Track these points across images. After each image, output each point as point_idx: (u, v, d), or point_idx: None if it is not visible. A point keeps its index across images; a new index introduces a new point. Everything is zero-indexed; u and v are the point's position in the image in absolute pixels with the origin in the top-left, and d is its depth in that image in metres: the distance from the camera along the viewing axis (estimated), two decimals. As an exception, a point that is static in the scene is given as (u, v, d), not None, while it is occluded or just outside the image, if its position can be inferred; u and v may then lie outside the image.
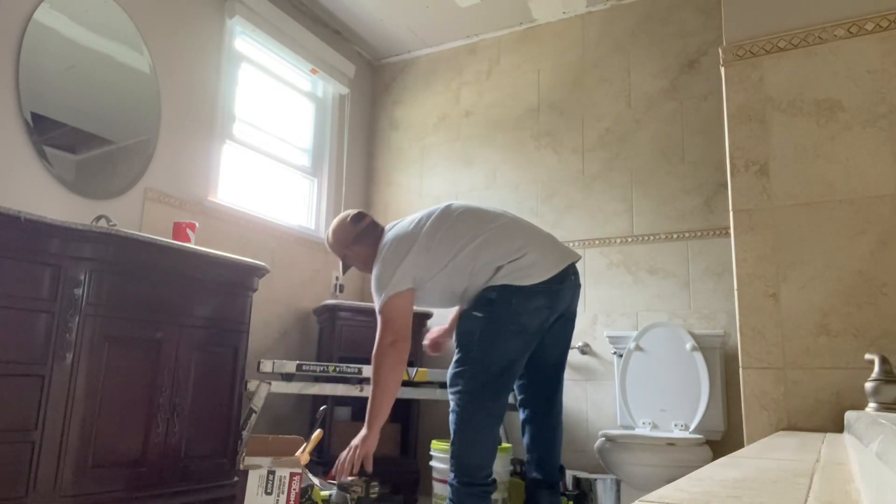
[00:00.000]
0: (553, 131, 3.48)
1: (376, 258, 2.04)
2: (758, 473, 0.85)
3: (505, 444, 2.43)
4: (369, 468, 1.93)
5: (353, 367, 2.77)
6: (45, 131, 2.32)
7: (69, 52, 2.42)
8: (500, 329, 1.91)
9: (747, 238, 1.89)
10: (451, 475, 1.88)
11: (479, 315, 1.93)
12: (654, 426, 2.68)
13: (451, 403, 1.93)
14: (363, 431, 1.94)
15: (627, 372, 2.78)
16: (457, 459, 1.88)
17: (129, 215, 2.59)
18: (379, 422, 1.94)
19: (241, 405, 2.39)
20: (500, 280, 1.93)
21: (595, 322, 3.17)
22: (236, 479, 2.28)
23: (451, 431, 1.90)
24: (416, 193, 3.83)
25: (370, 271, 2.09)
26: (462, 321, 1.99)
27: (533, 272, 1.93)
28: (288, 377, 2.65)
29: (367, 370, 3.09)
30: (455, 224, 2.03)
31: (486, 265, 1.96)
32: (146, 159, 2.67)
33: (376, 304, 1.98)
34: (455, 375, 1.94)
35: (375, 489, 2.45)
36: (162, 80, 2.77)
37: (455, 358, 1.96)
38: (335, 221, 2.23)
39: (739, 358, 1.87)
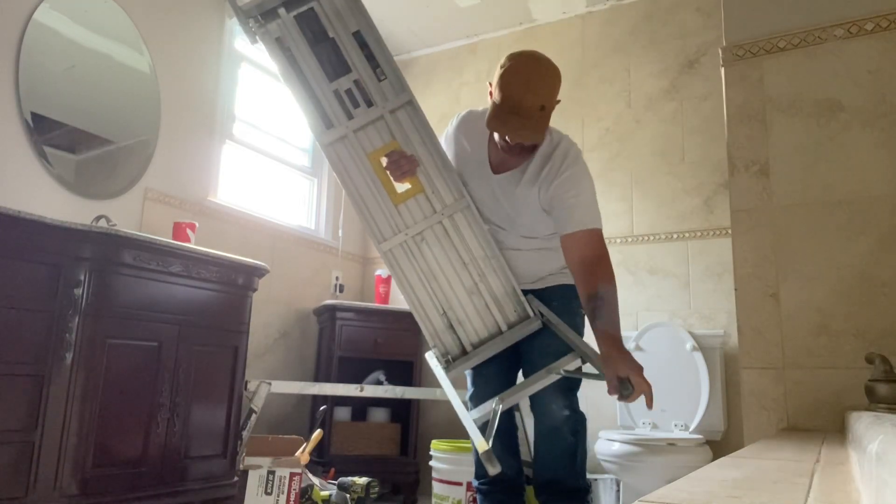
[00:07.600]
0: (553, 131, 3.48)
1: (577, 160, 1.78)
2: (758, 473, 0.85)
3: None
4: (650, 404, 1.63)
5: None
6: (45, 131, 2.32)
7: (69, 52, 2.42)
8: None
9: (747, 238, 1.89)
10: (579, 486, 1.77)
11: (581, 311, 1.79)
12: (654, 426, 2.68)
13: (569, 411, 1.78)
14: (625, 354, 1.63)
15: (627, 372, 2.78)
16: (583, 468, 1.80)
17: (129, 215, 2.59)
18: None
19: (241, 405, 2.39)
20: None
21: (595, 322, 3.16)
22: (236, 479, 2.28)
23: (576, 442, 1.77)
24: (416, 193, 3.83)
25: (538, 139, 1.77)
26: (573, 314, 1.80)
27: None
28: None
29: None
30: None
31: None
32: (146, 159, 2.67)
33: (592, 223, 1.72)
34: (575, 382, 1.81)
35: (375, 489, 2.45)
36: (162, 80, 2.77)
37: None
38: (550, 62, 1.82)
39: (739, 358, 1.87)
